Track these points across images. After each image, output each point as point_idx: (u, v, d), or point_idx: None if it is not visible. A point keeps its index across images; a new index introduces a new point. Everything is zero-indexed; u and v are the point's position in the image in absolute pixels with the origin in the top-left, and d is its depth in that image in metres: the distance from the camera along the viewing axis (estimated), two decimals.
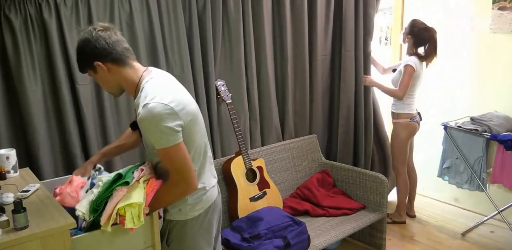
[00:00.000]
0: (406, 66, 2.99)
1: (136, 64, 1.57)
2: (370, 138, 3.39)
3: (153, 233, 1.58)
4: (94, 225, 1.49)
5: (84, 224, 1.50)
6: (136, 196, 1.48)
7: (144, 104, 1.43)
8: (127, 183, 1.49)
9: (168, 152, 1.47)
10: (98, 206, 1.47)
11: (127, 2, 2.22)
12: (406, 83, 2.99)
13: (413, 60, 2.99)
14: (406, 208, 3.39)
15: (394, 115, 3.18)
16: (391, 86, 3.15)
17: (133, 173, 1.55)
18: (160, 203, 1.57)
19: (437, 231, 3.22)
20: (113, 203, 1.46)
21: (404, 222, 3.34)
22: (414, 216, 3.45)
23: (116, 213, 1.46)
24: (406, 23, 3.27)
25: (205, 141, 1.67)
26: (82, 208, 1.46)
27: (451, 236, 3.12)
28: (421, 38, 3.01)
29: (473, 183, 2.96)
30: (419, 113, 3.21)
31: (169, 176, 1.54)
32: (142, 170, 1.57)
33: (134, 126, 1.64)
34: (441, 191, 3.66)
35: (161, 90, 1.49)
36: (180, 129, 1.47)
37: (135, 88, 1.53)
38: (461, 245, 3.01)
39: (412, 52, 3.06)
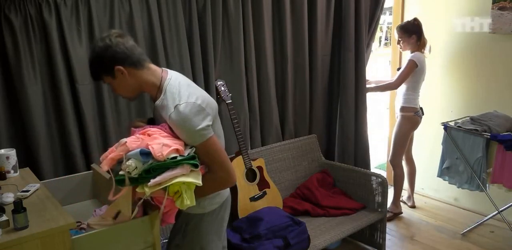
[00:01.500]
0: (409, 60, 3.12)
1: (153, 66, 1.60)
2: (367, 137, 3.42)
3: (153, 233, 1.58)
4: (122, 181, 1.43)
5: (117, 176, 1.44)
6: (196, 178, 1.47)
7: (175, 106, 1.47)
8: (196, 166, 1.48)
9: (205, 147, 1.51)
10: (154, 170, 1.41)
11: (127, 2, 2.22)
12: (403, 75, 3.13)
13: (417, 56, 3.12)
14: (407, 199, 3.62)
15: (401, 108, 3.27)
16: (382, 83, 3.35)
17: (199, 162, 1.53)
18: (199, 193, 1.55)
19: (437, 231, 3.22)
20: (174, 174, 1.42)
21: (401, 213, 3.46)
22: (414, 207, 3.60)
23: (165, 188, 1.41)
24: None
25: (222, 136, 1.72)
26: (135, 162, 1.41)
27: (451, 236, 3.12)
28: (421, 29, 3.17)
29: (473, 183, 2.96)
30: (421, 108, 3.31)
31: (209, 169, 1.56)
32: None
33: (150, 123, 1.65)
34: (441, 191, 3.66)
35: (185, 89, 1.54)
36: (209, 123, 1.52)
37: (157, 89, 1.56)
38: (461, 245, 3.01)
39: (416, 48, 3.17)
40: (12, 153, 1.82)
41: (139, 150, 1.41)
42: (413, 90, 3.20)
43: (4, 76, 2.01)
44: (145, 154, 1.41)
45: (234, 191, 2.55)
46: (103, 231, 1.47)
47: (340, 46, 3.20)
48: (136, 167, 1.41)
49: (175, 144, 1.46)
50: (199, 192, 1.54)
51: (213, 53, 2.57)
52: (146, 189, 1.41)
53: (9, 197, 1.54)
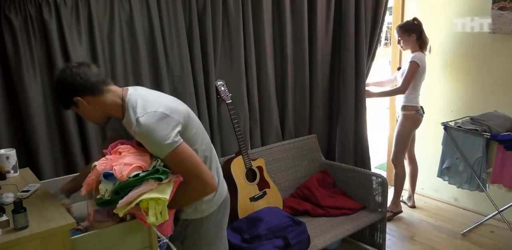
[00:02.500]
0: (411, 62, 3.12)
1: (113, 87, 1.58)
2: (366, 137, 3.43)
3: (150, 234, 1.58)
4: (103, 203, 1.47)
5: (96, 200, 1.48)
6: (163, 192, 1.47)
7: (136, 120, 1.45)
8: (160, 179, 1.47)
9: (173, 157, 1.48)
10: (122, 190, 1.44)
11: (127, 2, 2.22)
12: (408, 79, 3.14)
13: (417, 57, 3.13)
14: (407, 199, 3.62)
15: (402, 107, 3.29)
16: (388, 88, 3.35)
17: (167, 173, 1.52)
18: (177, 204, 1.56)
19: (437, 231, 3.22)
20: (138, 192, 1.43)
21: (400, 212, 3.46)
22: (414, 207, 3.60)
23: (137, 204, 1.43)
24: None
25: (206, 135, 1.71)
26: (107, 185, 1.44)
27: (451, 236, 3.12)
28: (421, 29, 3.18)
29: (473, 183, 2.95)
30: (422, 107, 3.32)
31: (184, 180, 1.54)
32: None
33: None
34: (441, 191, 3.66)
35: (144, 100, 1.52)
36: (177, 129, 1.49)
37: (121, 109, 1.54)
38: (461, 245, 3.01)
39: (417, 48, 3.18)
40: (12, 153, 1.82)
41: (102, 173, 1.44)
42: (414, 90, 3.21)
43: (4, 76, 2.01)
44: (109, 175, 1.43)
45: (234, 191, 2.55)
46: (102, 232, 1.48)
47: (340, 46, 3.20)
48: (106, 190, 1.43)
49: (138, 161, 1.47)
50: (178, 203, 1.54)
51: (213, 53, 2.57)
52: (118, 210, 1.43)
53: (9, 197, 1.54)
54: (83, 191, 1.48)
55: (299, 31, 2.97)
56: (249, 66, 2.76)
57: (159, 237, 1.60)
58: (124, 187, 1.43)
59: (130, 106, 1.50)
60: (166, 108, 1.50)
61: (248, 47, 2.73)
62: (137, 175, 1.44)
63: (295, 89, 3.08)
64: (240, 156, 2.59)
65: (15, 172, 1.83)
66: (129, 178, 1.43)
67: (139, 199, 1.42)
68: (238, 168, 2.57)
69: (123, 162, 1.45)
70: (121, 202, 1.42)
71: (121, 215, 1.44)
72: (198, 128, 1.64)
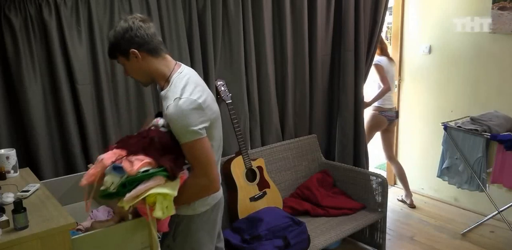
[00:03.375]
0: (374, 65, 3.37)
1: (169, 57, 1.62)
2: (365, 137, 3.43)
3: (150, 234, 1.58)
4: (107, 196, 1.47)
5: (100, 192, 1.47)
6: (171, 188, 1.48)
7: (175, 98, 1.48)
8: (171, 177, 1.49)
9: (193, 147, 1.50)
10: (129, 184, 1.43)
11: (127, 2, 2.22)
12: (383, 77, 3.37)
13: (378, 59, 3.40)
14: (405, 197, 3.70)
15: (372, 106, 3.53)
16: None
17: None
18: (182, 197, 1.55)
19: (437, 231, 3.22)
20: (146, 187, 1.43)
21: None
22: (414, 206, 3.64)
23: (143, 198, 1.43)
24: (406, 23, 3.29)
25: (221, 143, 1.73)
26: (114, 177, 1.44)
27: (451, 236, 3.12)
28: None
29: (473, 183, 2.96)
30: (396, 112, 3.55)
31: (192, 172, 1.55)
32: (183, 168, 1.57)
33: (159, 116, 1.66)
34: (441, 191, 3.66)
35: (191, 86, 1.54)
36: (205, 125, 1.51)
37: (165, 80, 1.58)
38: (461, 245, 3.01)
39: (378, 52, 3.43)
40: (12, 153, 1.82)
41: (112, 165, 1.44)
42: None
43: (4, 76, 2.01)
44: (118, 168, 1.43)
45: (234, 191, 2.55)
46: (102, 232, 1.48)
47: (340, 46, 3.20)
48: (113, 182, 1.43)
49: (147, 158, 1.47)
50: (181, 199, 1.54)
51: (213, 53, 2.56)
52: (124, 203, 1.43)
53: (9, 197, 1.54)
54: (83, 181, 1.47)
55: (299, 31, 2.97)
56: (249, 66, 2.76)
57: (158, 237, 1.60)
58: (132, 181, 1.43)
59: (176, 82, 1.54)
60: (204, 102, 1.52)
61: (248, 47, 2.73)
62: (147, 170, 1.45)
63: (295, 89, 3.08)
64: (240, 156, 2.59)
65: (15, 172, 1.83)
66: (139, 172, 1.44)
67: (147, 193, 1.43)
68: (238, 168, 2.57)
69: (134, 157, 1.45)
70: (128, 195, 1.42)
71: (126, 208, 1.43)
72: (218, 134, 1.66)
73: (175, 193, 1.47)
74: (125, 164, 1.43)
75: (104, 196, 1.47)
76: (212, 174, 1.54)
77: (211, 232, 1.73)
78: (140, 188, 1.43)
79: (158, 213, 1.44)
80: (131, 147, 1.50)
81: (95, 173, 1.46)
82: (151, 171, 1.45)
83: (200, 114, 1.50)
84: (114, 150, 1.50)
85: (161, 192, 1.44)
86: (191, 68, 1.70)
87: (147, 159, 1.46)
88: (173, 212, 1.48)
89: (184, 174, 1.55)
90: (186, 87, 1.52)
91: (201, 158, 1.52)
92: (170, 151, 1.52)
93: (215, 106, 1.62)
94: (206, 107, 1.53)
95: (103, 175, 1.46)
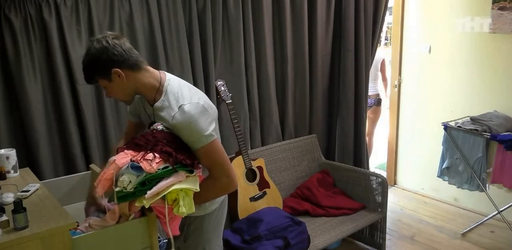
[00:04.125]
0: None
1: (150, 68, 1.56)
2: (365, 137, 3.44)
3: (150, 234, 1.58)
4: (123, 197, 1.42)
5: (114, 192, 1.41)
6: (193, 184, 1.46)
7: (180, 107, 1.46)
8: (191, 171, 1.47)
9: (208, 149, 1.49)
10: (149, 182, 1.40)
11: (127, 2, 2.22)
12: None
13: None
14: None
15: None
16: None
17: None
18: (203, 197, 1.55)
19: (437, 231, 3.22)
20: (168, 183, 1.41)
21: None
22: None
23: (163, 197, 1.41)
24: (406, 23, 3.29)
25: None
26: (131, 176, 1.39)
27: (451, 236, 3.12)
28: None
29: (473, 183, 2.96)
30: (378, 99, 4.05)
31: (210, 174, 1.54)
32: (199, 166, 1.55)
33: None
34: (441, 191, 3.66)
35: (187, 90, 1.53)
36: (213, 125, 1.52)
37: (156, 91, 1.53)
38: (461, 245, 3.01)
39: None
40: (12, 153, 1.82)
41: (129, 164, 1.40)
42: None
43: (4, 76, 2.01)
44: (136, 167, 1.40)
45: (234, 191, 2.54)
46: (102, 232, 1.47)
47: (340, 46, 3.20)
48: (130, 181, 1.39)
49: (162, 155, 1.44)
50: (201, 199, 1.54)
51: (213, 53, 2.56)
52: (145, 201, 1.40)
53: (9, 197, 1.54)
54: (99, 190, 1.42)
55: (299, 31, 2.97)
56: (249, 66, 2.76)
57: (159, 237, 1.60)
58: (151, 179, 1.41)
59: (171, 91, 1.50)
60: (205, 103, 1.52)
61: (248, 47, 2.73)
62: (166, 167, 1.43)
63: (295, 89, 3.08)
64: (240, 156, 2.59)
65: (15, 172, 1.83)
66: (159, 169, 1.41)
67: (169, 190, 1.41)
68: (238, 168, 2.57)
69: (150, 155, 1.42)
70: (150, 192, 1.39)
71: (147, 206, 1.40)
72: (218, 132, 1.65)
73: (197, 188, 1.46)
74: (144, 163, 1.39)
75: (120, 198, 1.42)
76: (231, 172, 1.54)
77: (218, 229, 1.76)
78: (162, 184, 1.40)
79: (182, 209, 1.42)
80: (141, 147, 1.46)
81: (110, 177, 1.41)
82: (170, 167, 1.43)
83: (207, 116, 1.49)
84: (125, 151, 1.46)
85: (184, 187, 1.43)
86: (174, 76, 1.65)
87: (163, 156, 1.43)
88: (193, 209, 1.46)
89: (200, 171, 1.53)
90: (184, 93, 1.50)
91: (218, 159, 1.52)
92: (182, 149, 1.49)
93: (213, 105, 1.62)
94: (208, 107, 1.52)
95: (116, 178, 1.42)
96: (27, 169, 1.93)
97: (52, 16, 2.01)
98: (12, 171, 1.82)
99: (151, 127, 1.56)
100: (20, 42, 1.96)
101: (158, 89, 1.53)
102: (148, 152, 1.43)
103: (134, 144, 1.49)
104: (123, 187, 1.39)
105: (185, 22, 2.44)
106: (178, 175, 1.44)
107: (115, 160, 1.42)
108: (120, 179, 1.39)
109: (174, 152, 1.45)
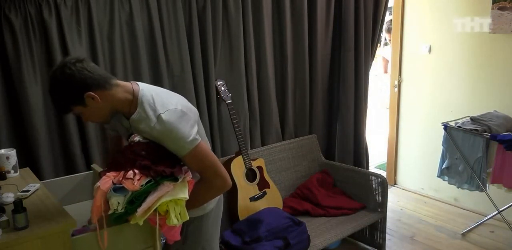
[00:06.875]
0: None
1: (120, 82, 1.51)
2: (365, 137, 3.44)
3: (153, 233, 1.58)
4: (117, 218, 1.43)
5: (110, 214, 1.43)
6: (181, 192, 1.45)
7: (158, 116, 1.43)
8: (176, 179, 1.46)
9: (195, 154, 1.47)
10: (136, 199, 1.40)
11: (127, 2, 2.22)
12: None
13: None
14: None
15: None
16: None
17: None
18: (199, 202, 1.56)
19: (437, 231, 3.22)
20: (156, 196, 1.41)
21: None
22: None
23: (155, 209, 1.42)
24: (406, 23, 3.30)
25: (205, 135, 1.71)
26: (118, 198, 1.40)
27: (451, 236, 3.12)
28: None
29: (473, 183, 2.96)
30: None
31: (202, 178, 1.54)
32: (186, 170, 1.54)
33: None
34: (441, 191, 3.66)
35: (161, 98, 1.49)
36: (195, 128, 1.49)
37: (130, 104, 1.48)
38: (461, 245, 3.01)
39: None
40: (12, 153, 1.82)
41: (112, 188, 1.41)
42: None
43: (4, 77, 2.01)
44: (119, 188, 1.41)
45: (234, 191, 2.55)
46: (102, 232, 1.47)
47: (340, 46, 3.20)
48: (119, 202, 1.40)
49: (143, 171, 1.44)
50: (199, 202, 1.55)
51: (213, 53, 2.56)
52: (138, 219, 1.41)
53: (9, 197, 1.54)
54: (94, 219, 1.41)
55: (299, 31, 2.97)
56: (249, 66, 2.76)
57: (163, 241, 1.60)
58: (138, 195, 1.41)
59: (146, 102, 1.45)
60: (183, 106, 1.49)
61: (248, 47, 2.73)
62: (149, 181, 1.43)
63: (295, 89, 3.08)
64: (240, 156, 2.59)
65: (15, 172, 1.84)
66: (142, 185, 1.41)
67: (158, 203, 1.41)
68: (238, 168, 2.57)
69: (130, 173, 1.42)
70: (140, 210, 1.39)
71: (141, 223, 1.42)
72: (201, 127, 1.64)
73: (187, 196, 1.45)
74: (126, 183, 1.40)
75: (115, 219, 1.43)
76: (222, 172, 1.53)
77: (216, 227, 1.77)
78: (150, 199, 1.40)
79: (174, 221, 1.42)
80: (122, 166, 1.45)
81: (99, 204, 1.40)
82: (153, 181, 1.43)
83: (187, 120, 1.46)
84: (107, 174, 1.45)
85: (173, 198, 1.43)
86: (147, 84, 1.59)
87: (143, 172, 1.43)
88: (187, 217, 1.47)
89: (189, 175, 1.53)
90: (159, 101, 1.46)
91: (206, 162, 1.50)
92: (163, 158, 1.48)
93: (192, 107, 1.58)
94: (187, 110, 1.49)
95: (106, 201, 1.42)
96: (27, 169, 1.93)
97: (52, 16, 2.01)
98: (12, 171, 1.82)
99: (129, 139, 1.54)
100: (20, 42, 1.96)
101: (133, 102, 1.47)
102: (128, 169, 1.42)
103: (114, 163, 1.48)
104: (115, 210, 1.41)
105: (185, 22, 2.44)
106: (163, 186, 1.43)
107: (99, 186, 1.42)
108: (109, 202, 1.41)
109: (153, 164, 1.43)
